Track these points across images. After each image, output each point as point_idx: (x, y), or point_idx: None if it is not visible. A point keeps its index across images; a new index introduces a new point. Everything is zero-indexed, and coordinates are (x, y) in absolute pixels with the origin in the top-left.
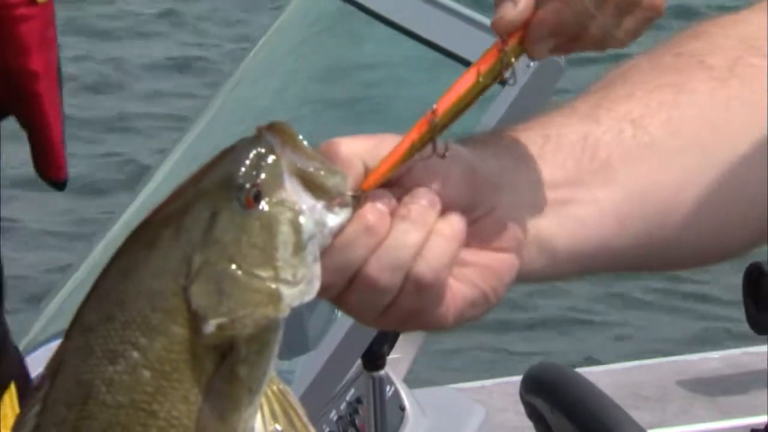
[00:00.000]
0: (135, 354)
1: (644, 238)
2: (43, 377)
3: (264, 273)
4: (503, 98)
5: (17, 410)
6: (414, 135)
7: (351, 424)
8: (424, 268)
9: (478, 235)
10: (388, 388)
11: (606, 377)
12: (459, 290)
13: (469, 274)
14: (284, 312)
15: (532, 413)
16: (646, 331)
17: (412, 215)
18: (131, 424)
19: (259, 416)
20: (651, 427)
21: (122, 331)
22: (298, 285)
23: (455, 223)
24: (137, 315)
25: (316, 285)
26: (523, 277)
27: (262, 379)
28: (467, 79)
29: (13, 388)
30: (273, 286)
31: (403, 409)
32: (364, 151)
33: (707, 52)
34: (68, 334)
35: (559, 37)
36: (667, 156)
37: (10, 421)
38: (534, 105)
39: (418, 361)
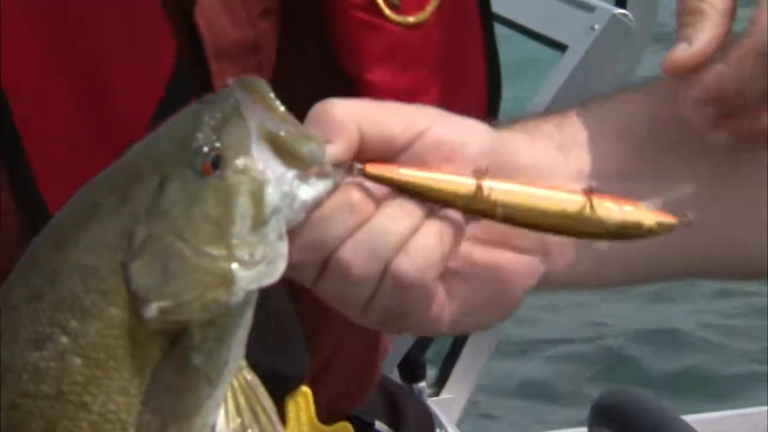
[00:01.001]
0: (64, 338)
1: (716, 239)
2: None
3: (216, 251)
4: (565, 65)
5: None
6: (458, 187)
7: None
8: (406, 263)
9: (494, 229)
10: None
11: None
12: (458, 292)
13: (475, 274)
14: (237, 296)
15: None
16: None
17: (402, 204)
18: (57, 417)
19: (222, 411)
20: None
21: (51, 312)
22: (256, 266)
23: (452, 221)
24: (68, 294)
25: (280, 266)
26: (567, 282)
27: (223, 368)
28: (559, 201)
29: None
30: (225, 265)
31: None
32: (361, 115)
33: None
34: None
35: (718, 105)
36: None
37: None
38: (598, 74)
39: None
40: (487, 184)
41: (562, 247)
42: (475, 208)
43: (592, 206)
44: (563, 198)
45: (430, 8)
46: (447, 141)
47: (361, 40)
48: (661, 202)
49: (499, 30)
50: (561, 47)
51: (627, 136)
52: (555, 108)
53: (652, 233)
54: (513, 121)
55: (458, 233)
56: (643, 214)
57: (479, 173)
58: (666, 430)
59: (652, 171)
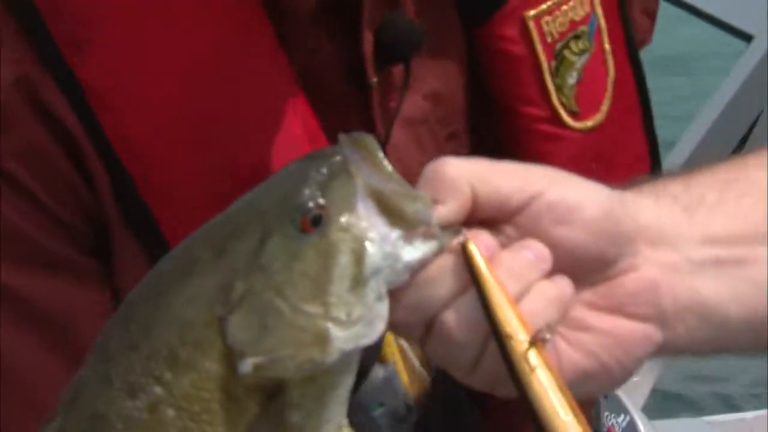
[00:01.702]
0: (158, 389)
1: None
2: (56, 408)
3: (313, 309)
4: (748, 57)
5: None
6: (512, 332)
7: None
8: None
9: (610, 295)
10: (622, 417)
11: None
12: (570, 358)
13: (588, 340)
14: (333, 356)
15: None
16: None
17: (511, 267)
18: None
19: None
20: None
21: (146, 362)
22: (353, 326)
23: (561, 287)
24: (164, 345)
25: (379, 327)
26: (685, 350)
27: (322, 427)
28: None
29: None
30: (321, 324)
31: None
32: (475, 175)
33: None
34: (88, 360)
35: None
36: None
37: None
38: None
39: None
40: (533, 356)
41: (682, 313)
42: (506, 359)
43: None
44: None
45: (604, 108)
46: (562, 204)
47: (547, 153)
48: None
49: (679, 16)
50: (746, 37)
51: (755, 197)
52: (684, 168)
53: None
54: (641, 181)
55: (569, 298)
56: None
57: (536, 339)
58: None
59: None
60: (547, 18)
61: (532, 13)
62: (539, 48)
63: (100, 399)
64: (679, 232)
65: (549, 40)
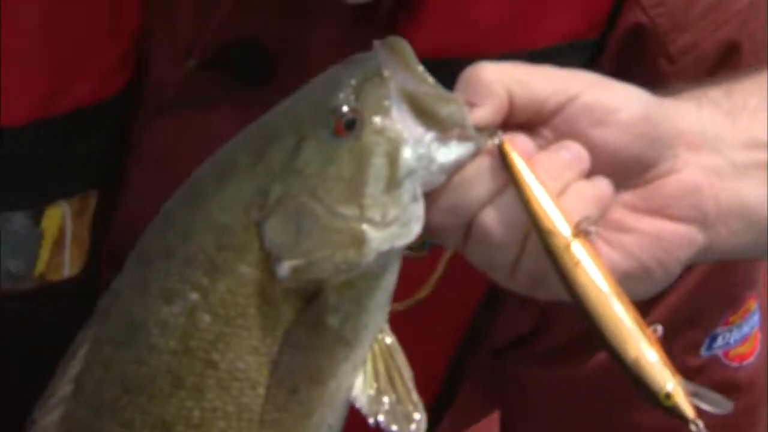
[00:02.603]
0: (194, 295)
1: None
2: (95, 313)
3: (348, 211)
4: None
5: None
6: (551, 226)
7: None
8: None
9: (651, 198)
10: None
11: None
12: (610, 259)
13: (628, 242)
14: (369, 257)
15: None
16: None
17: (548, 167)
18: (184, 373)
19: (360, 375)
20: None
21: (182, 268)
22: (389, 227)
23: (599, 187)
24: (200, 251)
25: (415, 228)
26: (729, 253)
27: (362, 331)
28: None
29: None
30: (357, 226)
31: None
32: (512, 78)
33: None
34: (126, 267)
35: None
36: None
37: None
38: None
39: None
40: (578, 249)
41: (724, 216)
42: (549, 254)
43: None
44: (627, 330)
45: None
46: (599, 106)
47: None
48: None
49: None
50: None
51: None
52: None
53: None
54: (681, 89)
55: (608, 199)
56: (681, 399)
57: (579, 230)
58: None
59: None
60: None
61: None
62: None
63: (137, 305)
64: (722, 136)
65: None
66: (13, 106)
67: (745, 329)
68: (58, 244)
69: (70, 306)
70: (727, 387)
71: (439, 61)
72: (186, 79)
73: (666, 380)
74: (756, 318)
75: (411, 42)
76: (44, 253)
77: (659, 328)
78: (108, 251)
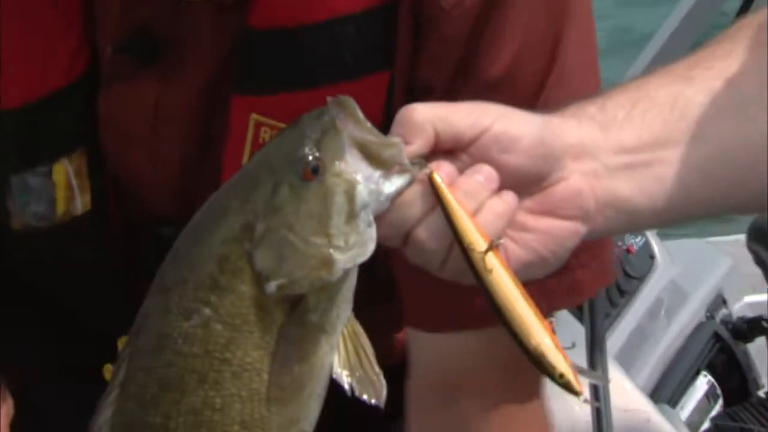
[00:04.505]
0: (207, 310)
1: (727, 189)
2: (130, 334)
3: (318, 240)
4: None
5: None
6: (472, 240)
7: None
8: None
9: (545, 202)
10: (638, 238)
11: None
12: (515, 253)
13: (529, 239)
14: (337, 274)
15: (758, 260)
16: None
17: (467, 189)
18: (206, 370)
19: (336, 354)
20: None
21: (194, 291)
22: (351, 250)
23: (507, 201)
24: (207, 276)
25: (370, 247)
26: (605, 234)
27: (336, 321)
28: (524, 323)
29: None
30: (326, 251)
31: (652, 257)
32: (436, 117)
33: None
34: (149, 295)
35: None
36: (756, 109)
37: None
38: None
39: None
40: (492, 259)
41: (601, 209)
42: (469, 263)
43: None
44: (529, 322)
45: None
46: (505, 136)
47: None
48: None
49: None
50: None
51: (656, 111)
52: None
53: (559, 384)
54: (566, 106)
55: (513, 209)
56: (571, 378)
57: (492, 245)
58: None
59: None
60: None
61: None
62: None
63: (163, 323)
64: (598, 146)
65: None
66: (12, 91)
67: None
68: (69, 189)
69: (88, 232)
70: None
71: (278, 30)
72: (110, 62)
73: (559, 363)
74: None
75: (258, 17)
76: (60, 197)
77: (553, 321)
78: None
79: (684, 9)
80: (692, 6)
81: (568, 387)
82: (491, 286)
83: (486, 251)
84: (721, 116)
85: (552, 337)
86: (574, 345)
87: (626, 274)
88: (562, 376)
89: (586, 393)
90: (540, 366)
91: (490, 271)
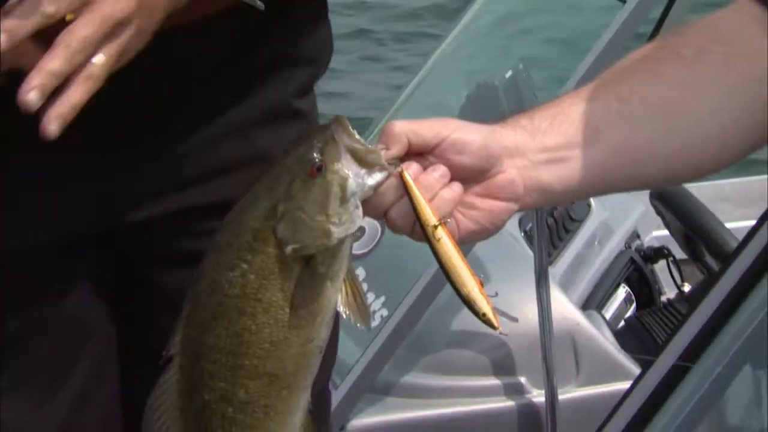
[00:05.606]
0: (244, 265)
1: (624, 178)
2: (192, 283)
3: (320, 218)
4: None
5: None
6: (427, 217)
7: (550, 215)
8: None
9: (488, 188)
10: None
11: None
12: (464, 224)
13: (475, 214)
14: (334, 242)
15: (657, 211)
16: None
17: (426, 183)
18: (244, 306)
19: (339, 295)
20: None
21: (237, 252)
22: (343, 225)
23: (454, 190)
24: (245, 242)
25: (357, 222)
26: (529, 208)
27: (339, 272)
28: (462, 277)
29: None
30: (326, 226)
31: (589, 205)
32: (409, 130)
33: (682, 44)
34: (206, 254)
35: None
36: (639, 121)
37: None
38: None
39: None
40: (440, 231)
41: (529, 192)
42: (425, 234)
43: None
44: (464, 277)
45: None
46: (459, 142)
47: None
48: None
49: None
50: None
51: (568, 122)
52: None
53: (483, 321)
54: (506, 118)
55: (459, 195)
56: (492, 317)
57: (443, 221)
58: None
59: (583, 140)
60: None
61: None
62: None
63: (215, 273)
64: (527, 147)
65: None
66: None
67: None
68: None
69: None
70: None
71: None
72: None
73: (483, 306)
74: None
75: None
76: None
77: (482, 276)
78: None
79: (617, 24)
80: (620, 25)
81: (489, 323)
82: (439, 251)
83: (435, 226)
84: (614, 126)
85: (480, 288)
86: (496, 294)
87: (570, 218)
88: (484, 315)
89: (505, 326)
90: (470, 308)
91: (439, 240)
